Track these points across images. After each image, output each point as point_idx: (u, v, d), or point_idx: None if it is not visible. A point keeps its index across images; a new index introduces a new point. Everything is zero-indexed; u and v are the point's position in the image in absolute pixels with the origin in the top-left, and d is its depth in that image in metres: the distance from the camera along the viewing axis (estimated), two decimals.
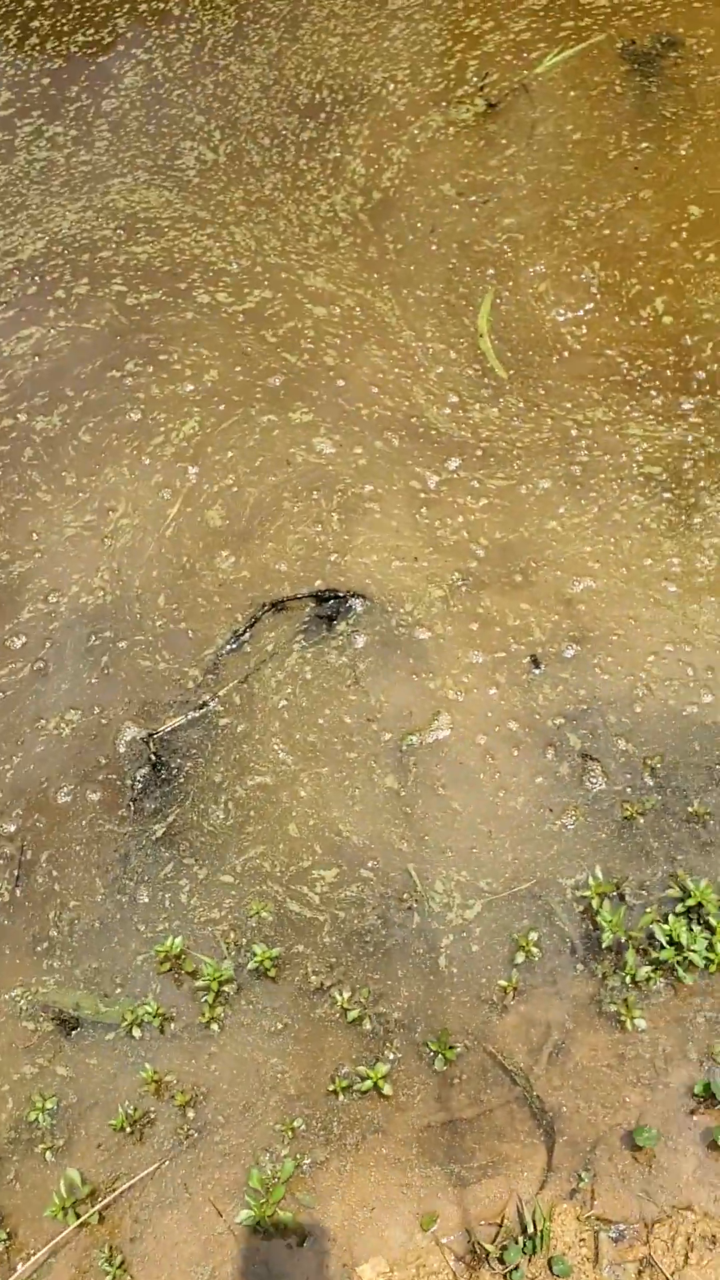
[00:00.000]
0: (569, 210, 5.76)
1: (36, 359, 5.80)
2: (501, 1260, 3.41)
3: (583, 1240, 3.42)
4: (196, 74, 6.95)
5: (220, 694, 4.56)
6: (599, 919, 3.80)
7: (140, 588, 4.90)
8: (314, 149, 6.30)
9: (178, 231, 6.17)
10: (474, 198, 5.92)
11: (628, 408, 5.06)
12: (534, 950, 3.83)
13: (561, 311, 5.39)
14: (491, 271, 5.60)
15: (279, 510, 5.01)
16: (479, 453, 5.04)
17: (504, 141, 6.10)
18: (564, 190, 5.85)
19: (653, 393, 5.09)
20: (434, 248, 5.77)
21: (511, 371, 5.28)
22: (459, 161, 6.08)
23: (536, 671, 4.38)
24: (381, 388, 5.33)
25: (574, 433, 5.03)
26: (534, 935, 3.85)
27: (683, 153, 5.83)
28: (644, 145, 5.91)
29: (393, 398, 5.29)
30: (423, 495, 4.95)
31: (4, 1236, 3.69)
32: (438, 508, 4.91)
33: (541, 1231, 3.42)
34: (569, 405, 5.11)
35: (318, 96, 6.55)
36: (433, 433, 5.14)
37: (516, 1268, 3.39)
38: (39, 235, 6.37)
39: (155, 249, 6.12)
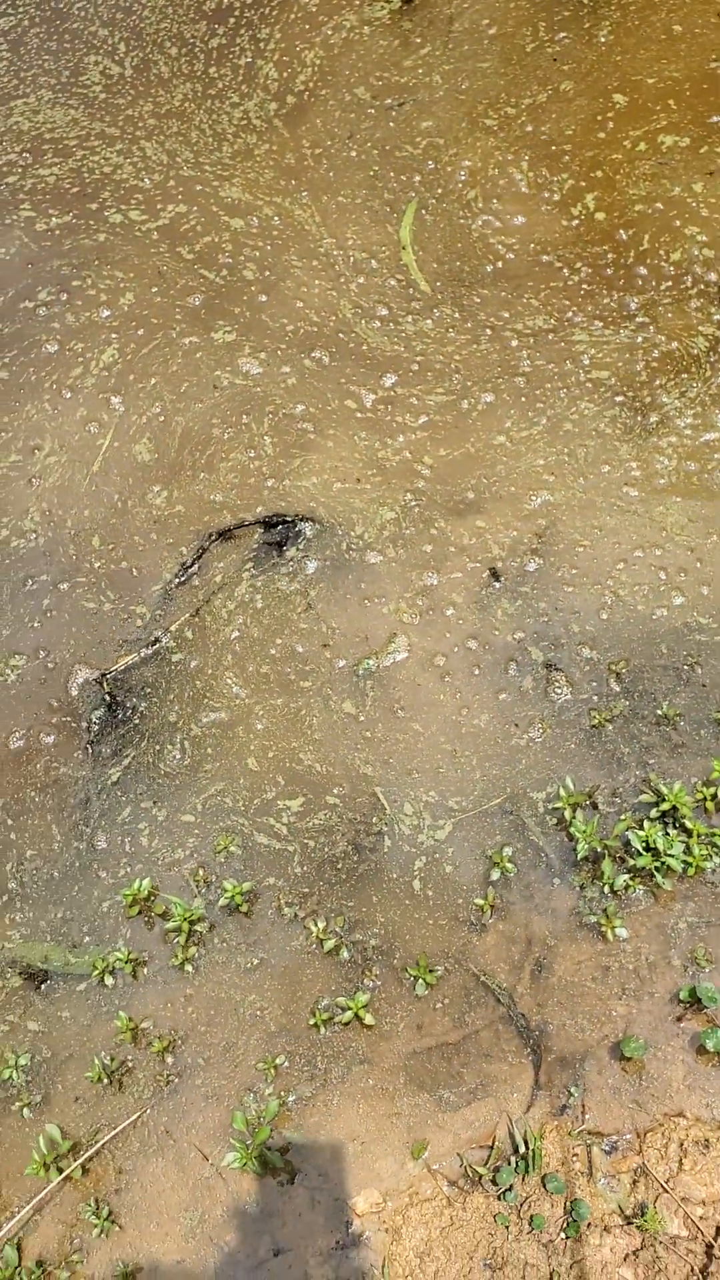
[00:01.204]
0: (488, 109, 5.40)
1: None
2: (495, 1182, 3.27)
3: (576, 1155, 3.29)
4: None
5: (172, 629, 4.27)
6: (573, 830, 3.63)
7: (73, 528, 4.57)
8: (224, 56, 5.87)
9: (86, 150, 5.73)
10: (389, 100, 5.54)
11: (570, 313, 4.78)
12: (509, 866, 3.65)
13: (490, 218, 5.07)
14: (418, 178, 5.25)
15: (209, 438, 4.69)
16: (415, 367, 4.73)
17: (419, 40, 5.70)
18: (481, 89, 5.48)
19: (595, 295, 4.80)
20: (353, 154, 5.40)
21: (439, 283, 4.96)
22: (373, 63, 5.68)
23: (496, 585, 4.14)
24: (306, 302, 4.99)
25: (514, 343, 4.74)
26: (508, 851, 3.67)
27: (602, 40, 5.49)
28: (562, 35, 5.56)
29: (319, 312, 4.95)
30: (359, 415, 4.65)
31: None
32: (377, 427, 4.61)
33: (533, 1150, 3.28)
34: (506, 315, 4.81)
35: (225, 0, 6.08)
36: (364, 348, 4.82)
37: (510, 1188, 3.26)
38: None
39: (63, 170, 5.69)
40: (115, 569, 4.46)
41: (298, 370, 4.81)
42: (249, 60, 5.83)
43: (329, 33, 5.83)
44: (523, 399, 4.58)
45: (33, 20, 6.32)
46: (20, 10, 6.38)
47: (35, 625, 4.38)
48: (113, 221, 5.41)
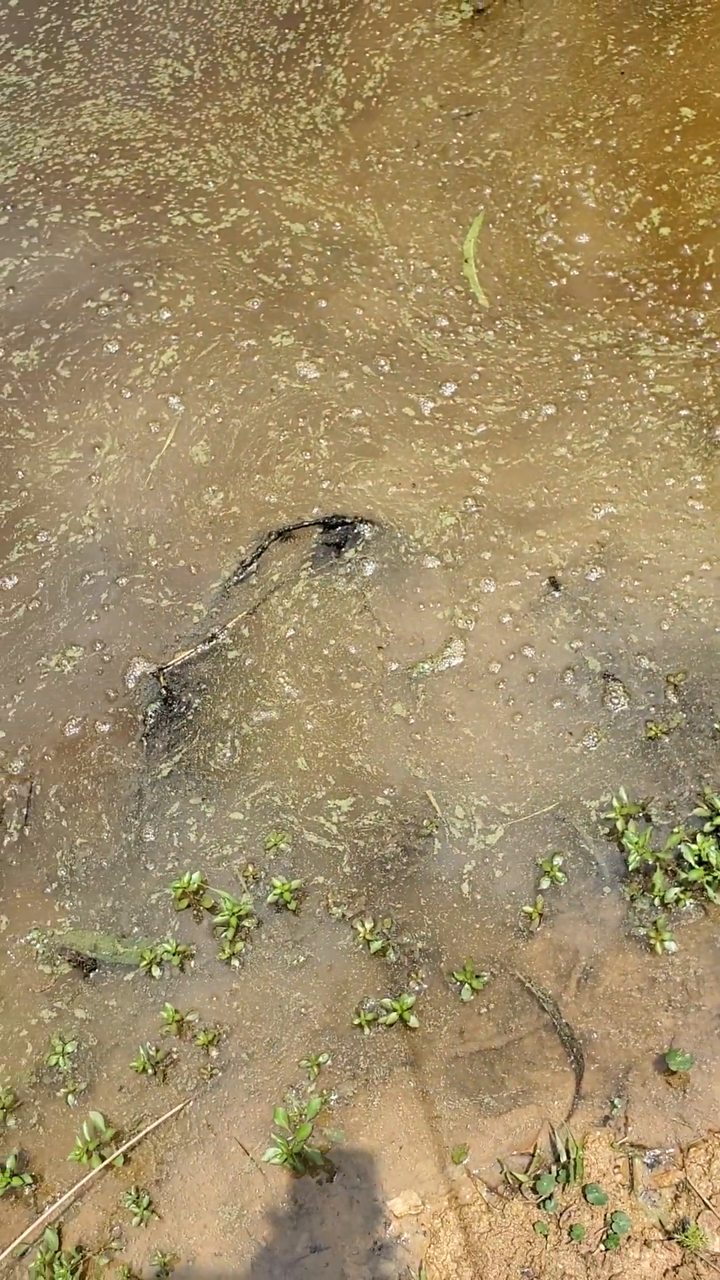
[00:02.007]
0: (556, 122, 5.38)
1: (11, 291, 5.42)
2: (535, 1190, 3.25)
3: (617, 1167, 3.25)
4: None
5: (229, 626, 4.27)
6: (625, 841, 3.60)
7: (130, 526, 4.59)
8: (293, 60, 5.88)
9: (152, 152, 5.76)
10: (456, 110, 5.53)
11: (636, 329, 4.74)
12: (559, 875, 3.62)
13: (555, 235, 5.04)
14: (488, 190, 5.24)
15: (265, 440, 4.69)
16: (475, 378, 4.71)
17: (488, 50, 5.69)
18: (549, 101, 5.46)
19: (661, 311, 4.76)
20: (420, 163, 5.39)
21: (500, 297, 4.93)
22: (442, 72, 5.67)
23: (556, 594, 4.11)
24: (365, 309, 4.99)
25: (577, 357, 4.71)
26: (559, 859, 3.64)
27: (671, 53, 5.46)
28: (630, 49, 5.53)
29: (378, 320, 4.95)
30: (417, 423, 4.64)
31: (29, 1180, 3.49)
32: (434, 434, 4.60)
33: (574, 1160, 3.25)
34: (570, 329, 4.78)
35: (297, 6, 6.10)
36: (423, 357, 4.81)
37: (550, 1197, 3.23)
38: (10, 163, 5.94)
39: (129, 171, 5.71)
40: (173, 567, 4.48)
41: (355, 376, 4.81)
42: (318, 65, 5.84)
43: (399, 39, 5.82)
44: (584, 412, 4.55)
45: (105, 23, 6.36)
46: (94, 13, 6.42)
47: (92, 619, 4.40)
48: (175, 224, 5.43)
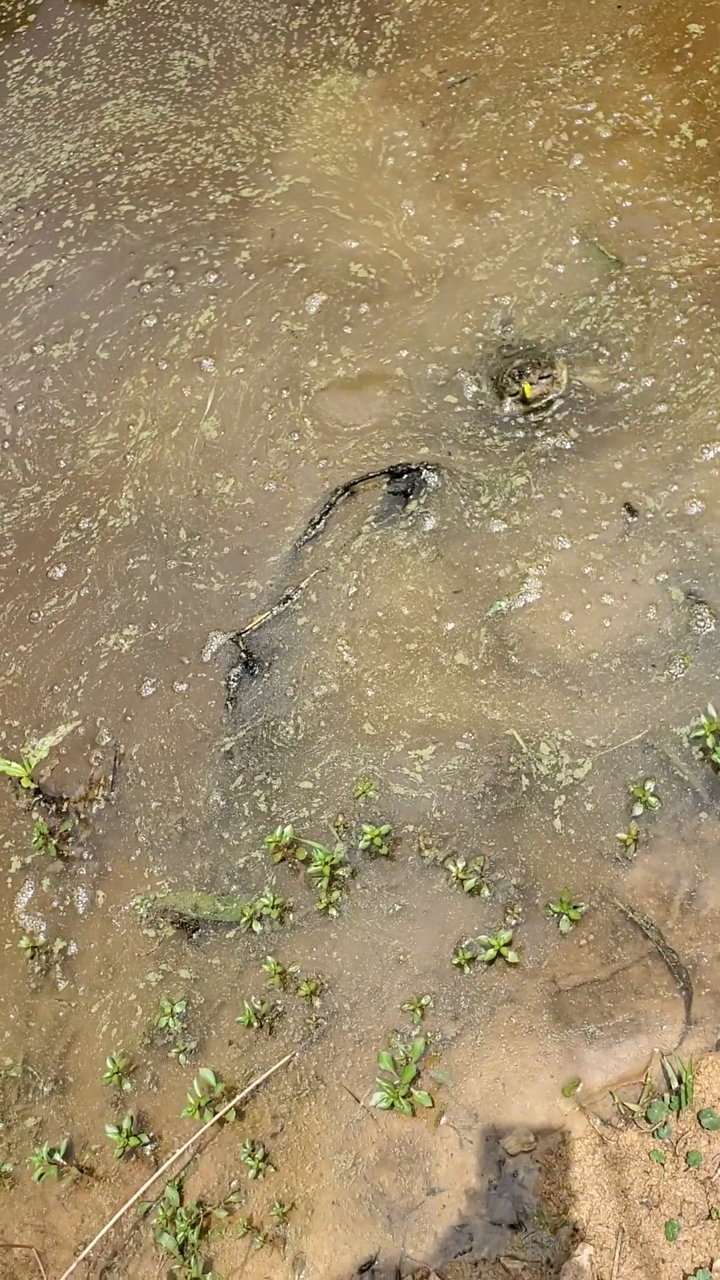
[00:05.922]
0: (550, 69, 4.97)
1: (50, 290, 5.14)
2: (648, 1119, 2.93)
3: None
4: None
5: (302, 585, 3.94)
6: (716, 758, 3.23)
7: (163, 506, 4.31)
8: (306, 36, 5.50)
9: (176, 144, 5.41)
10: (451, 78, 5.13)
11: (715, 248, 4.30)
12: (652, 800, 3.28)
13: (587, 168, 4.62)
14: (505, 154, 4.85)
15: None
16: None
17: (487, 9, 5.28)
18: (543, 53, 5.04)
19: None
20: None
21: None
22: (443, 37, 5.27)
23: (632, 519, 3.71)
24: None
25: (670, 289, 4.25)
26: (650, 785, 3.29)
27: None
28: None
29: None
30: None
31: (148, 1139, 3.23)
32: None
33: (686, 1085, 2.92)
34: (644, 259, 4.36)
35: None
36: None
37: (664, 1125, 2.91)
38: (39, 171, 5.65)
39: (157, 164, 5.38)
40: (228, 532, 4.17)
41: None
42: (331, 41, 5.46)
43: (408, 1, 5.43)
44: (688, 356, 4.13)
45: (120, 24, 6.03)
46: (108, 16, 6.08)
47: (143, 600, 4.12)
48: (220, 202, 5.10)
